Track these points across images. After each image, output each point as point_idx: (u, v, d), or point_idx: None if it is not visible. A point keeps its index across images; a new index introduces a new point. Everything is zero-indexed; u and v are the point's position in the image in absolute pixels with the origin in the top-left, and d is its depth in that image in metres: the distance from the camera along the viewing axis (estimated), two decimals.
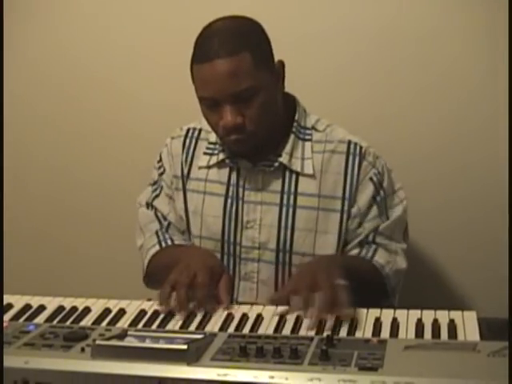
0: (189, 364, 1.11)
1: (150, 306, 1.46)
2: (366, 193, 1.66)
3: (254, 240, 1.68)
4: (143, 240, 1.78)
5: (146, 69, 2.31)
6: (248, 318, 1.38)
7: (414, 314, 1.34)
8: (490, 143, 2.12)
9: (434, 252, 2.23)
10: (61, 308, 1.47)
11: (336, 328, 1.29)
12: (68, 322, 1.40)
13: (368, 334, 1.27)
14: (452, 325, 1.28)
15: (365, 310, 1.36)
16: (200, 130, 1.76)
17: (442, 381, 1.04)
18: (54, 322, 1.40)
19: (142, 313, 1.43)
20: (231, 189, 1.70)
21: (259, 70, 1.54)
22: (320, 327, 1.30)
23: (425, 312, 1.34)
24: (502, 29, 1.95)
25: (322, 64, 2.17)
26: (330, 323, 1.29)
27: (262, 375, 1.08)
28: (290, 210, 1.66)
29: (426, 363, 1.09)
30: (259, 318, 1.37)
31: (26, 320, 1.41)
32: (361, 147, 1.67)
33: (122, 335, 1.21)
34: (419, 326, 1.29)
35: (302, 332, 1.30)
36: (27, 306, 1.47)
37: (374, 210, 1.67)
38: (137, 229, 1.81)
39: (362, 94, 2.17)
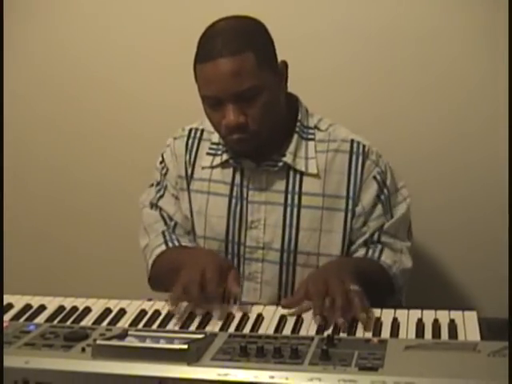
0: (189, 364, 1.11)
1: (151, 306, 1.46)
2: (370, 191, 1.66)
3: (258, 240, 1.68)
4: (148, 240, 1.77)
5: (146, 69, 2.31)
6: (248, 318, 1.38)
7: (415, 313, 1.34)
8: (490, 143, 2.12)
9: (434, 252, 2.23)
10: (61, 308, 1.47)
11: (337, 328, 1.29)
12: (68, 322, 1.40)
13: (368, 334, 1.27)
14: (452, 325, 1.28)
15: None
16: (202, 131, 1.76)
17: (442, 381, 1.04)
18: (55, 321, 1.40)
19: (143, 313, 1.43)
20: (235, 189, 1.70)
21: (262, 69, 1.54)
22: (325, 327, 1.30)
23: (425, 312, 1.35)
24: (502, 29, 1.95)
25: (322, 64, 2.17)
26: (343, 327, 1.29)
27: (262, 375, 1.08)
28: (295, 210, 1.66)
29: (426, 363, 1.09)
30: (260, 318, 1.37)
31: (27, 320, 1.41)
32: (364, 146, 1.67)
33: (123, 335, 1.21)
34: (419, 325, 1.29)
35: (303, 332, 1.30)
36: (27, 306, 1.47)
37: (379, 209, 1.67)
38: (140, 229, 1.80)
39: (363, 94, 2.17)
